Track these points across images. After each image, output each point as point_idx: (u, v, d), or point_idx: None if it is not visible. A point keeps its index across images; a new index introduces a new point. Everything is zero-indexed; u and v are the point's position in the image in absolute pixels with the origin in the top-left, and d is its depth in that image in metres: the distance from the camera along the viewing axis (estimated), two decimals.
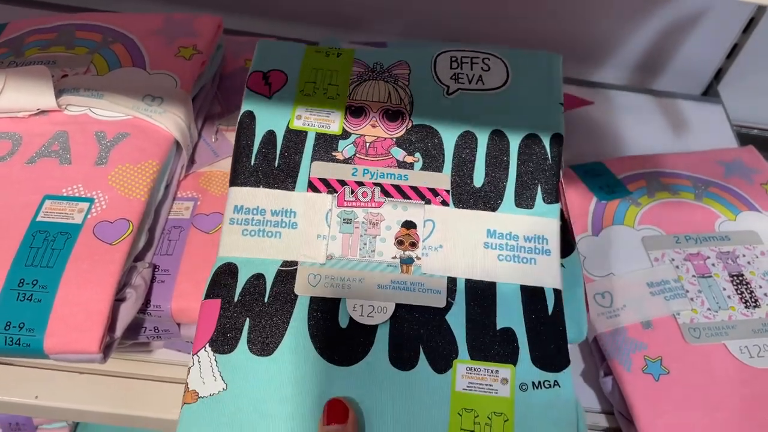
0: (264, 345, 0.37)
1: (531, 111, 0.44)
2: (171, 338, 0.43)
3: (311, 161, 0.42)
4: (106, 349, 0.37)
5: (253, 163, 0.42)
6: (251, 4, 0.70)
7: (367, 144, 0.43)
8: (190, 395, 0.35)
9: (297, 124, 0.43)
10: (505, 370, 0.37)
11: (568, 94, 0.66)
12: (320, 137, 0.43)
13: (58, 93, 0.45)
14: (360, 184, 0.42)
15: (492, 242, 0.40)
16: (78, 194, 0.41)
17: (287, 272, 0.39)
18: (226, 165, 0.48)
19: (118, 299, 0.38)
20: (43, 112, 0.45)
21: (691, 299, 0.48)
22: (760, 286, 0.49)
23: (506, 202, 0.42)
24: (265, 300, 0.38)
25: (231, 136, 0.51)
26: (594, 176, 0.57)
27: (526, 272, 0.40)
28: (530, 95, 0.44)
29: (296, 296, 0.38)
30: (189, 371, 0.36)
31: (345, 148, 0.43)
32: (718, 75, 0.74)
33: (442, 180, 0.42)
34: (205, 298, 0.38)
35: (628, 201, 0.55)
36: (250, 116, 0.43)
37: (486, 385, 0.36)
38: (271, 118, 0.43)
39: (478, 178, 0.42)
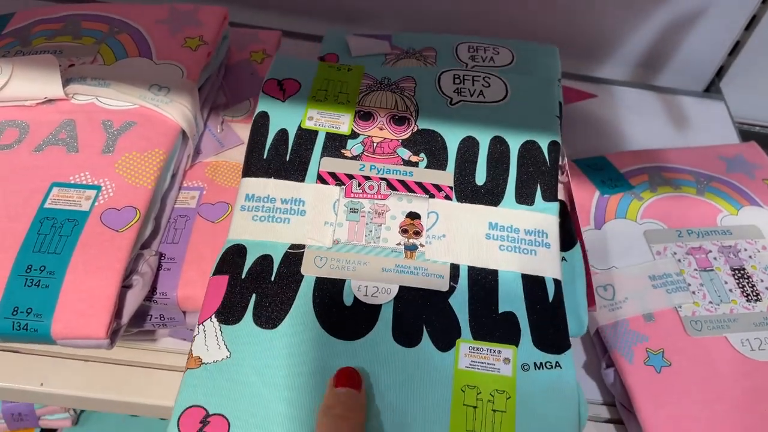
0: (269, 318, 0.38)
1: (529, 123, 0.46)
2: (176, 326, 0.43)
3: (321, 157, 0.44)
4: (113, 335, 0.38)
5: (265, 156, 0.44)
6: None
7: (375, 144, 0.45)
8: (193, 361, 0.36)
9: (308, 124, 0.45)
10: (507, 351, 0.37)
11: (571, 87, 0.67)
12: (330, 136, 0.45)
13: (65, 82, 0.45)
14: (367, 178, 0.43)
15: (494, 234, 0.42)
16: (85, 182, 0.41)
17: (295, 254, 0.40)
18: (231, 155, 0.49)
19: (125, 286, 0.39)
20: (50, 100, 0.46)
21: (693, 292, 0.48)
22: (762, 280, 0.49)
23: (507, 198, 0.43)
24: (272, 278, 0.39)
25: (236, 127, 0.51)
26: (597, 170, 0.58)
27: (526, 262, 0.41)
28: (528, 110, 0.47)
29: (302, 276, 0.39)
30: (193, 339, 0.37)
31: (353, 147, 0.45)
32: (720, 72, 0.74)
33: (446, 177, 0.44)
34: (213, 275, 0.39)
35: (631, 195, 0.55)
36: (264, 116, 0.45)
37: (489, 364, 0.37)
38: (284, 119, 0.45)
39: (480, 177, 0.44)
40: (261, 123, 0.45)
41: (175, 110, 0.45)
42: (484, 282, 0.40)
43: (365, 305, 0.38)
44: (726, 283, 0.49)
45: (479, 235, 0.41)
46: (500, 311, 0.39)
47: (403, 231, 0.41)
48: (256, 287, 0.39)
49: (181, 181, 0.47)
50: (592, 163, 0.59)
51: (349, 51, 0.55)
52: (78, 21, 0.52)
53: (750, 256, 0.51)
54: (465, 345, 0.37)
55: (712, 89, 0.75)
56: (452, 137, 0.45)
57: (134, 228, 0.40)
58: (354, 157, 0.44)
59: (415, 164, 0.44)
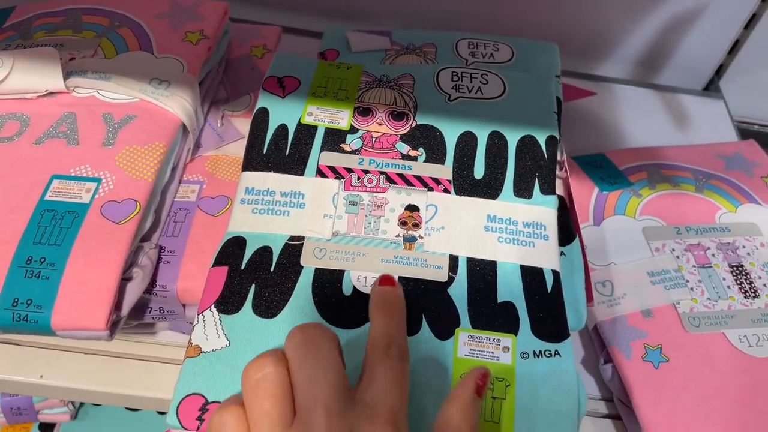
0: (268, 307, 0.38)
1: (526, 118, 0.46)
2: (176, 319, 0.44)
3: (320, 151, 0.44)
4: (113, 327, 0.38)
5: (265, 151, 0.44)
6: None
7: (374, 139, 0.45)
8: (192, 350, 0.36)
9: (308, 120, 0.45)
10: (506, 339, 0.37)
11: (571, 85, 0.67)
12: (329, 131, 0.45)
13: (66, 75, 0.45)
14: (366, 171, 0.43)
15: (492, 226, 0.42)
16: (86, 174, 0.41)
17: (294, 246, 0.40)
18: (231, 149, 0.49)
19: (125, 278, 0.39)
20: (51, 93, 0.46)
21: (691, 289, 0.49)
22: (760, 277, 0.50)
23: (505, 191, 0.43)
24: (271, 269, 0.39)
25: (236, 121, 0.51)
26: (596, 167, 0.58)
27: (525, 253, 0.41)
28: (526, 106, 0.47)
29: (302, 267, 0.39)
30: (193, 329, 0.37)
31: (352, 142, 0.45)
32: (720, 70, 0.75)
33: (444, 171, 0.44)
34: (212, 267, 0.39)
35: (630, 192, 0.56)
36: (264, 112, 0.45)
37: (488, 352, 0.37)
38: (284, 114, 0.45)
39: (478, 171, 0.44)
40: (261, 118, 0.45)
41: (176, 104, 0.45)
42: (483, 273, 0.40)
43: (365, 295, 0.38)
44: (724, 279, 0.49)
45: (478, 227, 0.41)
46: (499, 301, 0.39)
47: (402, 223, 0.41)
48: (256, 278, 0.39)
49: (182, 175, 0.47)
50: (591, 160, 0.59)
51: (350, 47, 0.55)
52: (79, 15, 0.52)
53: (748, 253, 0.51)
54: (464, 334, 0.37)
55: (711, 88, 0.75)
56: (450, 132, 0.45)
57: (134, 220, 0.40)
58: (353, 152, 0.44)
59: (414, 158, 0.44)
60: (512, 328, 0.38)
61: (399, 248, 0.40)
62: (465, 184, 0.43)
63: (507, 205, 0.43)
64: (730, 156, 0.60)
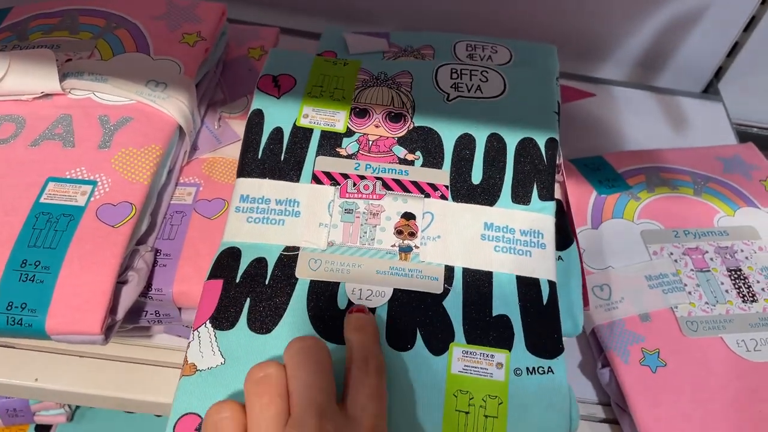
0: (263, 323, 0.37)
1: (526, 118, 0.46)
2: (171, 323, 0.43)
3: (316, 156, 0.44)
4: (108, 331, 0.38)
5: (260, 156, 0.43)
6: None
7: (370, 142, 0.45)
8: (188, 368, 0.36)
9: (303, 122, 0.45)
10: (500, 355, 0.37)
11: (570, 87, 0.67)
12: (325, 135, 0.44)
13: (62, 77, 0.45)
14: (362, 177, 0.43)
15: (489, 234, 0.41)
16: (81, 177, 0.41)
17: (289, 257, 0.40)
18: (228, 152, 0.49)
19: (120, 282, 0.38)
20: (46, 95, 0.45)
21: (689, 293, 0.48)
22: (758, 281, 0.49)
23: (503, 197, 0.43)
24: (266, 282, 0.39)
25: (234, 123, 0.51)
26: (594, 170, 0.58)
27: (521, 263, 0.40)
28: (526, 105, 0.47)
29: (296, 279, 0.39)
30: (188, 345, 0.37)
31: (348, 145, 0.44)
32: (719, 73, 0.74)
33: (442, 176, 0.43)
34: (207, 279, 0.39)
35: (628, 195, 0.55)
36: (259, 114, 0.45)
37: (481, 368, 0.37)
38: (279, 116, 0.45)
39: (476, 176, 0.43)
40: (255, 121, 0.45)
41: (172, 106, 0.45)
42: (478, 284, 0.39)
43: None
44: (722, 283, 0.49)
45: (474, 235, 0.41)
46: (494, 314, 0.38)
47: (398, 232, 0.41)
48: (251, 291, 0.38)
49: (178, 177, 0.47)
50: (589, 163, 0.59)
51: (347, 48, 0.55)
52: (75, 16, 0.52)
53: (746, 257, 0.51)
54: (458, 349, 0.37)
55: (710, 90, 0.75)
56: (449, 134, 0.45)
57: (130, 224, 0.39)
58: (349, 156, 0.44)
59: (411, 163, 0.44)
60: (506, 342, 0.38)
61: (394, 258, 0.40)
62: (462, 190, 0.43)
63: (504, 212, 0.42)
64: (728, 159, 0.60)
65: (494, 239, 0.41)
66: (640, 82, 0.76)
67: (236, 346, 0.36)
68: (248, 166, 0.43)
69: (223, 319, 0.37)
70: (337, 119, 0.45)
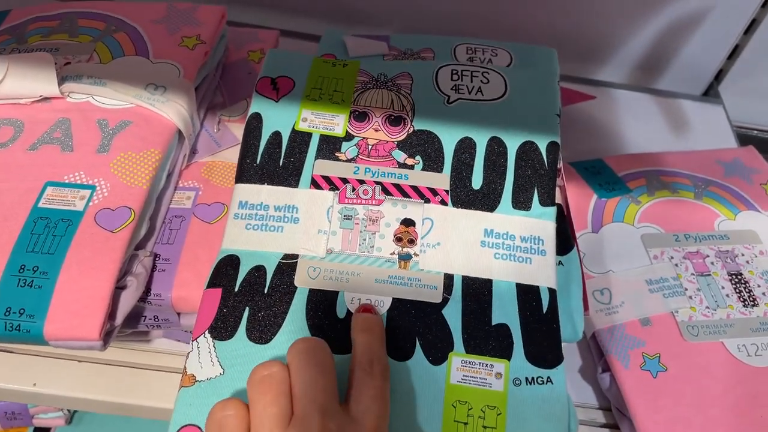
0: (262, 333, 0.37)
1: (528, 121, 0.45)
2: (170, 327, 0.43)
3: (315, 159, 0.43)
4: (107, 337, 0.37)
5: (258, 161, 0.43)
6: None
7: (370, 146, 0.44)
8: (187, 379, 0.36)
9: (302, 126, 0.44)
10: (499, 365, 0.37)
11: (570, 89, 0.66)
12: (324, 139, 0.44)
13: (61, 80, 0.45)
14: (361, 182, 0.42)
15: (489, 241, 0.41)
16: (80, 181, 0.41)
17: (288, 265, 0.39)
18: (228, 155, 0.49)
19: (119, 287, 0.38)
20: (45, 99, 0.45)
21: (690, 297, 0.48)
22: (759, 285, 0.49)
23: (503, 203, 0.42)
24: (265, 291, 0.38)
25: (233, 127, 0.51)
26: (594, 173, 0.58)
27: (521, 271, 0.40)
28: (527, 107, 0.46)
29: (295, 288, 0.38)
30: (188, 356, 0.36)
31: (348, 150, 0.44)
32: (719, 76, 0.74)
33: (442, 180, 0.43)
34: (206, 288, 0.39)
35: (628, 199, 0.55)
36: (257, 118, 0.44)
37: (480, 378, 0.36)
38: (278, 120, 0.44)
39: (477, 181, 0.43)
40: (254, 125, 0.44)
41: (172, 110, 0.45)
42: (478, 292, 0.39)
43: None
44: (723, 288, 0.49)
45: (474, 242, 0.41)
46: (494, 323, 0.38)
47: (398, 239, 0.40)
48: (249, 300, 0.38)
49: (177, 181, 0.46)
50: (589, 166, 0.59)
51: (347, 51, 0.55)
52: (75, 19, 0.52)
53: (747, 261, 0.51)
54: (457, 359, 0.37)
55: (710, 93, 0.75)
56: (449, 138, 0.44)
57: (128, 228, 0.39)
58: (348, 160, 0.43)
59: (411, 167, 0.43)
60: (506, 352, 0.37)
61: (394, 267, 0.39)
62: (462, 195, 0.42)
63: (504, 218, 0.42)
64: (729, 162, 0.60)
65: (494, 246, 0.41)
66: (641, 84, 0.75)
67: (235, 356, 0.36)
68: (247, 172, 0.42)
69: (222, 329, 0.37)
70: (336, 123, 0.45)
